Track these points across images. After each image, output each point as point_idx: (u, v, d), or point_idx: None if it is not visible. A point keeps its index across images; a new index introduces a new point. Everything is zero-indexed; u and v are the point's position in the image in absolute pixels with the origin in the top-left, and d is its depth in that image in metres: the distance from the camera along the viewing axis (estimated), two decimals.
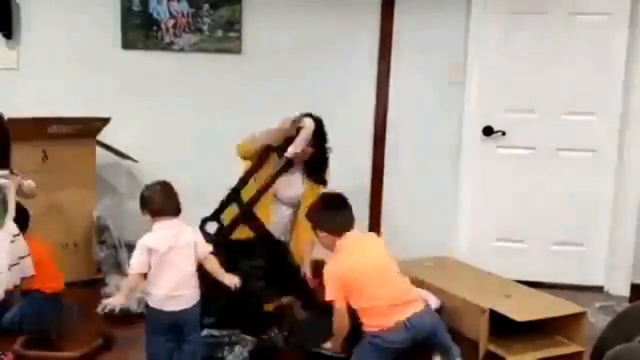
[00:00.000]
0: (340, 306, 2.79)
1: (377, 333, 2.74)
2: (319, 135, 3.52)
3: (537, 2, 4.14)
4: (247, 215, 3.37)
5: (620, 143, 4.15)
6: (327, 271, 2.84)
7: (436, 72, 4.23)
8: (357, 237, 2.95)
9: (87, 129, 3.96)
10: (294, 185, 3.61)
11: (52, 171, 3.79)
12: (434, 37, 4.21)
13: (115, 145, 4.22)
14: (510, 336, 3.05)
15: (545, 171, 4.23)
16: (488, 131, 4.22)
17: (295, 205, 3.63)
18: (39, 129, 3.75)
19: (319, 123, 3.51)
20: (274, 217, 3.58)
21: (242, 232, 3.40)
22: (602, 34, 4.09)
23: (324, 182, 3.61)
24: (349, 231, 2.92)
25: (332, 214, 2.95)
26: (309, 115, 3.49)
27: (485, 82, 4.20)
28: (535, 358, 3.00)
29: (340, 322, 2.82)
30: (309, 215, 3.06)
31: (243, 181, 3.41)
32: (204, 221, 3.32)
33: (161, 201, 2.70)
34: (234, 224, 3.36)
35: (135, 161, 4.31)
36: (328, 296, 2.80)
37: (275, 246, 3.41)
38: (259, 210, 3.45)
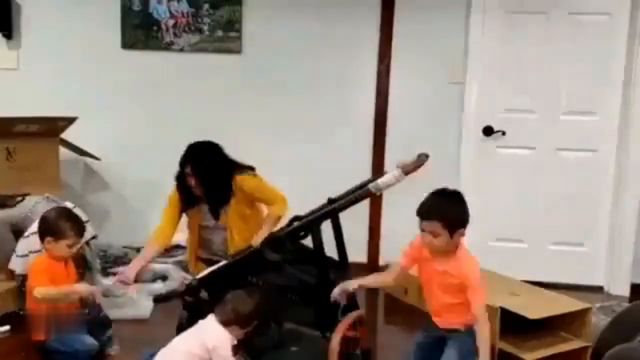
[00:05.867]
0: None
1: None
2: (199, 168, 3.49)
3: (537, 2, 4.14)
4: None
5: (620, 143, 4.15)
6: (476, 274, 2.60)
7: (436, 72, 4.23)
8: None
9: (51, 128, 3.95)
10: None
11: (16, 169, 3.82)
12: (434, 37, 4.21)
13: (115, 145, 4.22)
14: (515, 334, 3.04)
15: (545, 171, 4.23)
16: (488, 131, 4.23)
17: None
18: (3, 128, 3.76)
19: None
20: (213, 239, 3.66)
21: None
22: (602, 34, 4.09)
23: (217, 216, 3.58)
24: None
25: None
26: (202, 144, 3.53)
27: (485, 82, 4.20)
28: (548, 354, 3.00)
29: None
30: (452, 215, 2.67)
31: None
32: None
33: None
34: None
35: (98, 159, 4.31)
36: (484, 299, 2.49)
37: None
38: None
